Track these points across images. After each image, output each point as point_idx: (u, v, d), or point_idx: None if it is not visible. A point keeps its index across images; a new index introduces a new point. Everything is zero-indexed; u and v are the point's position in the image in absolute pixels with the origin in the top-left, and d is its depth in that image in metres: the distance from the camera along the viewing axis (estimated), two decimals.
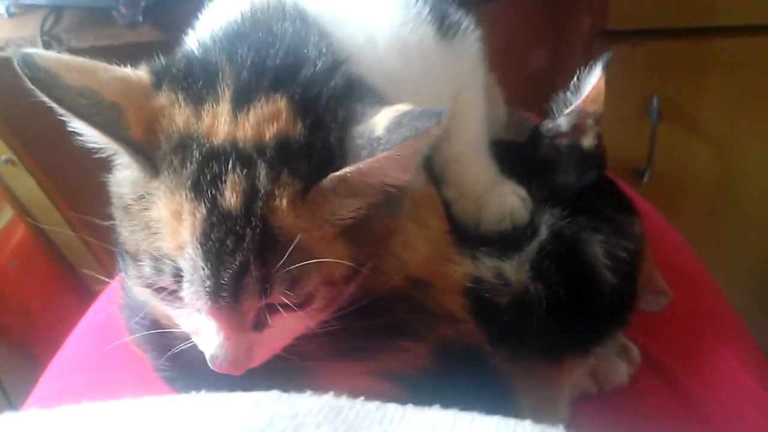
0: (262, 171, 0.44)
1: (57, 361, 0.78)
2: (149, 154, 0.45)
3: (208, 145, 0.45)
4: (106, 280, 0.68)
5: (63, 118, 0.45)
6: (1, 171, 1.51)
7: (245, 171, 0.44)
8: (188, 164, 0.44)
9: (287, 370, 0.51)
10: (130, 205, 0.47)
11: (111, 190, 0.49)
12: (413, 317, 0.53)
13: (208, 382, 0.49)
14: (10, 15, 1.32)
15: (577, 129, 0.66)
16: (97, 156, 0.48)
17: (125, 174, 0.47)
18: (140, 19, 1.24)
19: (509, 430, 0.36)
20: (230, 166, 0.44)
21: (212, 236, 0.43)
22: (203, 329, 0.47)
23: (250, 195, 0.43)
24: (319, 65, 0.49)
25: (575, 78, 0.67)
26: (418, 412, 0.37)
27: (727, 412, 0.64)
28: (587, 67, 0.67)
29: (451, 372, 0.53)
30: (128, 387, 0.65)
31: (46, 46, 1.24)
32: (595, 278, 0.61)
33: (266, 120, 0.45)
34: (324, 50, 0.51)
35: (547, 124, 0.68)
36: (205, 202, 0.43)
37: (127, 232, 0.47)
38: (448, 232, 0.58)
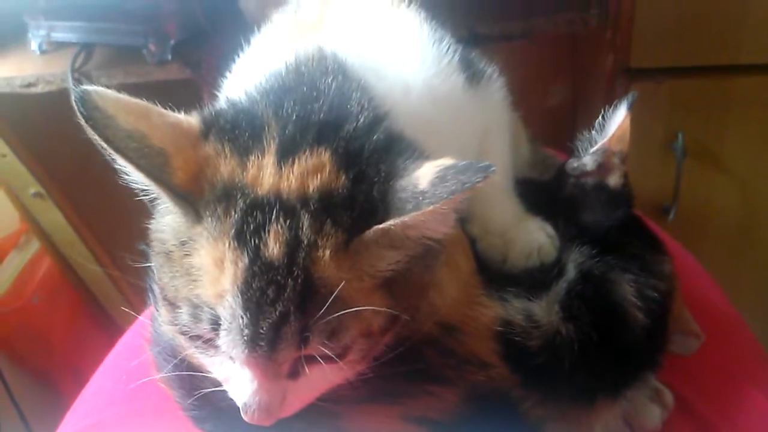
0: (305, 222, 0.44)
1: (84, 397, 0.78)
2: (192, 201, 0.46)
3: (252, 196, 0.45)
4: (133, 314, 0.68)
5: (110, 157, 0.45)
6: (30, 204, 1.53)
7: (288, 222, 0.44)
8: (232, 213, 0.45)
9: (316, 413, 0.50)
10: (171, 251, 0.47)
11: (151, 236, 0.50)
12: (443, 363, 0.53)
13: (235, 423, 0.49)
14: (42, 52, 1.36)
15: (603, 168, 0.67)
16: (137, 198, 0.48)
17: (167, 219, 0.48)
18: (169, 57, 1.27)
19: None
20: (274, 216, 0.44)
21: (253, 285, 0.43)
22: (236, 377, 0.47)
23: (293, 245, 0.44)
24: (362, 120, 0.50)
25: (600, 117, 0.68)
26: None
27: None
28: (612, 106, 0.67)
29: (482, 417, 0.53)
30: (155, 425, 0.66)
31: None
32: (626, 319, 0.60)
33: (310, 172, 0.46)
34: (366, 105, 0.51)
35: (573, 163, 0.68)
36: (248, 252, 0.43)
37: (167, 278, 0.48)
38: (475, 273, 0.58)
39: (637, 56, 1.24)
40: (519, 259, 0.64)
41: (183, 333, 0.48)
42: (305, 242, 0.44)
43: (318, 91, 0.52)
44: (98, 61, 1.33)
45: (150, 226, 0.50)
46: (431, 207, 0.43)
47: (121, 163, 0.45)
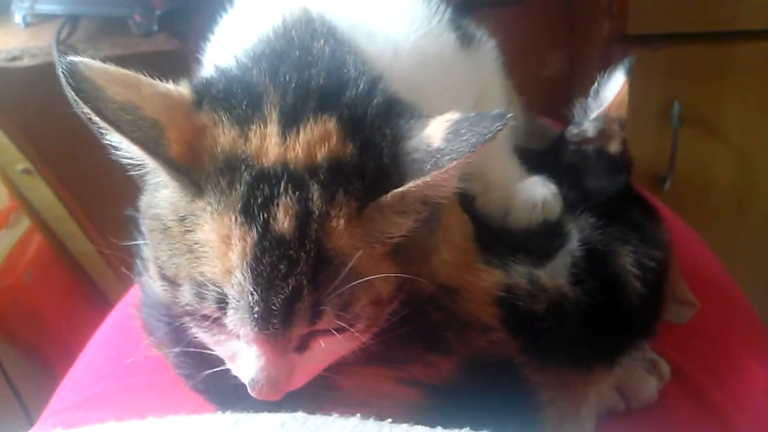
0: (316, 192, 0.43)
1: (73, 373, 0.77)
2: (191, 174, 0.44)
3: (258, 167, 0.43)
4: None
5: (100, 130, 0.43)
6: (18, 181, 1.51)
7: (298, 193, 0.42)
8: (237, 186, 0.43)
9: (314, 383, 0.49)
10: (169, 227, 0.45)
11: (145, 212, 0.48)
12: (444, 325, 0.52)
13: (231, 380, 0.48)
14: (27, 24, 1.33)
15: (604, 135, 0.66)
16: (127, 173, 0.46)
17: (163, 194, 0.46)
18: (155, 27, 1.24)
19: None
20: (282, 188, 0.43)
21: (264, 261, 0.41)
22: (242, 354, 0.46)
23: (303, 217, 0.42)
24: (361, 85, 0.48)
25: (595, 84, 0.67)
26: None
27: (757, 426, 0.62)
28: (607, 72, 0.66)
29: (479, 383, 0.52)
30: (146, 397, 0.65)
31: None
32: (625, 288, 0.60)
33: (317, 141, 0.44)
34: (362, 69, 0.50)
35: (573, 130, 0.67)
36: (256, 226, 0.42)
37: (165, 256, 0.46)
38: (471, 239, 0.57)
39: (633, 22, 1.23)
40: (522, 211, 0.62)
41: (186, 313, 0.46)
42: (317, 213, 0.42)
43: (312, 56, 0.50)
44: (83, 33, 1.30)
45: (141, 202, 0.49)
46: (453, 163, 0.42)
47: (114, 138, 0.43)
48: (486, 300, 0.53)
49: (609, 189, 0.64)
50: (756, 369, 0.67)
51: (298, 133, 0.45)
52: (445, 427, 0.43)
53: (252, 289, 0.41)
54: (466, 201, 0.64)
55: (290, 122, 0.45)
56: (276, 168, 0.43)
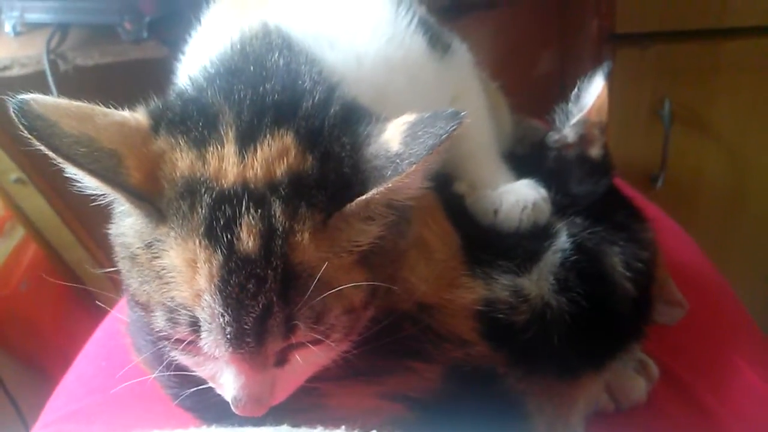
0: (278, 209, 0.43)
1: (64, 384, 0.77)
2: (153, 201, 0.44)
3: (218, 189, 0.43)
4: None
5: (61, 165, 0.43)
6: (12, 190, 1.51)
7: (260, 211, 0.42)
8: (199, 210, 0.43)
9: (299, 397, 0.49)
10: (137, 254, 0.45)
11: (113, 241, 0.48)
12: (423, 337, 0.52)
13: (216, 397, 0.48)
14: (17, 34, 1.33)
15: (584, 140, 0.66)
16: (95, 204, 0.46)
17: (128, 222, 0.46)
18: (144, 35, 1.24)
19: None
20: (244, 208, 0.42)
21: (231, 282, 0.41)
22: (222, 374, 0.46)
23: (267, 235, 0.42)
24: (317, 95, 0.48)
25: (576, 89, 0.67)
26: None
27: (745, 427, 0.62)
28: (587, 77, 0.66)
29: (463, 393, 0.52)
30: (135, 410, 0.65)
31: (52, 64, 1.24)
32: (615, 290, 0.59)
33: (275, 157, 0.44)
34: (317, 78, 0.50)
35: (553, 136, 0.67)
36: (221, 248, 0.42)
37: (136, 283, 0.46)
38: (456, 252, 0.57)
39: (621, 21, 1.22)
40: (512, 212, 0.62)
41: (162, 337, 0.46)
42: (280, 229, 0.42)
43: (266, 70, 0.50)
44: (73, 41, 1.30)
45: (110, 231, 0.48)
46: (413, 167, 0.42)
47: (72, 171, 0.43)
48: (464, 315, 0.53)
49: (593, 193, 0.64)
50: (744, 370, 0.67)
51: (255, 150, 0.44)
52: None
53: (222, 311, 0.41)
54: (455, 200, 0.64)
55: (247, 140, 0.45)
56: (236, 188, 0.43)
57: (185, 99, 0.49)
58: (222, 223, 0.42)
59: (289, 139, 0.45)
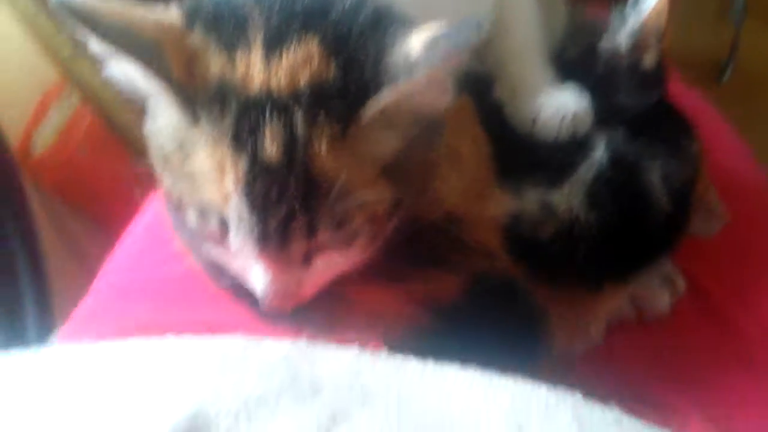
0: (299, 118, 0.43)
1: (113, 258, 0.82)
2: (190, 99, 0.45)
3: (244, 96, 0.44)
4: None
5: (102, 56, 0.44)
6: (66, 60, 1.53)
7: (283, 120, 0.43)
8: (228, 114, 0.44)
9: (327, 297, 0.52)
10: (170, 155, 0.47)
11: (149, 139, 0.49)
12: (449, 246, 0.53)
13: None
14: None
15: (638, 47, 0.62)
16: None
17: (162, 122, 0.47)
18: None
19: (525, 395, 0.36)
20: (267, 116, 0.43)
21: (256, 187, 0.43)
22: (252, 270, 0.48)
23: (289, 144, 0.43)
24: (347, 1, 0.47)
25: None
26: (437, 373, 0.37)
27: None
28: None
29: (486, 304, 0.54)
30: (177, 291, 0.68)
31: None
32: (651, 205, 0.59)
33: (299, 65, 0.44)
34: None
35: (605, 44, 0.63)
36: (246, 154, 0.43)
37: (168, 182, 0.48)
38: (487, 164, 0.56)
39: None
40: (552, 120, 0.60)
41: (195, 233, 0.49)
42: (301, 139, 0.43)
43: None
44: None
45: (145, 130, 0.50)
46: (425, 71, 0.42)
47: (119, 64, 0.44)
48: (491, 227, 0.54)
49: (641, 105, 0.61)
50: None
51: (281, 56, 0.44)
52: (450, 350, 0.45)
53: (248, 214, 0.44)
54: (494, 109, 0.63)
55: (274, 46, 0.45)
56: (261, 96, 0.44)
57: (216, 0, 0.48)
58: (247, 129, 0.43)
59: (314, 44, 0.45)
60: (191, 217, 0.47)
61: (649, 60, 0.62)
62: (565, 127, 0.60)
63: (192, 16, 0.46)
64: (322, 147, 0.43)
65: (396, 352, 0.53)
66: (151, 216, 0.84)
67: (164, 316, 0.66)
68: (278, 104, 0.44)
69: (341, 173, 0.44)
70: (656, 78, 0.63)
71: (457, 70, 0.45)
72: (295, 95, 0.44)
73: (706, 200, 0.66)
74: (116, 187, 1.77)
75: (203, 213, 0.46)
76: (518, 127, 0.62)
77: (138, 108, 0.52)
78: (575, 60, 0.67)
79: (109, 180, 1.76)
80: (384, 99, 0.43)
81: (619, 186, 0.57)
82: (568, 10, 0.91)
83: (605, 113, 0.61)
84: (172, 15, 0.46)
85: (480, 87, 0.64)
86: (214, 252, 0.50)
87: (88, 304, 0.73)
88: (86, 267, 1.61)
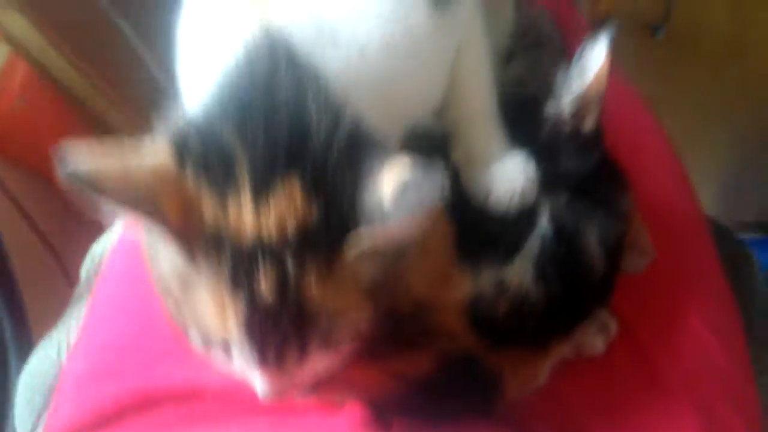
0: (290, 263, 0.48)
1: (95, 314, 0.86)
2: (188, 242, 0.49)
3: (237, 243, 0.48)
4: None
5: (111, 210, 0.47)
6: None
7: (275, 263, 0.48)
8: (223, 260, 0.48)
9: None
10: (172, 287, 0.52)
11: (149, 264, 0.54)
12: (418, 330, 0.61)
13: None
14: None
15: (580, 113, 0.67)
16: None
17: (164, 256, 0.52)
18: None
19: None
20: (260, 261, 0.48)
21: (253, 321, 0.49)
22: (251, 376, 0.54)
23: (282, 284, 0.48)
24: (322, 132, 0.51)
25: (579, 51, 0.67)
26: None
27: (684, 377, 0.71)
28: (591, 40, 0.66)
29: (450, 371, 0.62)
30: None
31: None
32: (590, 271, 0.66)
33: (284, 210, 0.49)
34: (322, 105, 0.52)
35: (551, 108, 0.68)
36: (244, 296, 0.48)
37: (172, 307, 0.53)
38: (450, 252, 0.62)
39: None
40: (502, 198, 0.66)
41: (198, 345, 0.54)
42: (293, 280, 0.48)
43: (274, 98, 0.52)
44: None
45: (147, 255, 0.54)
46: (397, 224, 0.47)
47: (123, 214, 0.47)
48: (454, 311, 0.61)
49: (581, 170, 0.67)
50: (694, 321, 0.74)
51: (268, 202, 0.49)
52: (420, 406, 0.54)
53: (248, 344, 0.50)
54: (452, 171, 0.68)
55: (261, 190, 0.49)
56: (253, 243, 0.48)
57: (201, 131, 0.51)
58: (243, 273, 0.48)
59: (296, 185, 0.49)
60: (195, 337, 0.53)
61: (588, 124, 0.68)
62: (514, 203, 0.66)
63: (181, 154, 0.49)
64: (311, 284, 0.49)
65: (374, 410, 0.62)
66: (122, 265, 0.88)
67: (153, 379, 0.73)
68: (269, 251, 0.48)
69: (328, 303, 0.49)
70: (595, 139, 0.68)
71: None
72: (284, 242, 0.48)
73: (637, 241, 0.74)
74: (56, 139, 1.74)
75: (206, 337, 0.52)
76: (472, 196, 0.68)
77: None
78: (521, 118, 0.71)
79: (48, 134, 1.73)
80: (362, 242, 0.48)
81: (562, 257, 0.64)
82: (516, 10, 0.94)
83: (548, 178, 0.67)
84: (163, 153, 0.49)
85: (438, 146, 0.70)
86: (216, 356, 0.56)
87: (83, 363, 0.79)
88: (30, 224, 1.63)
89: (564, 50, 1.00)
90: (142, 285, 0.57)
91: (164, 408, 0.72)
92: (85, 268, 1.18)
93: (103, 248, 1.19)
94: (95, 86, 1.68)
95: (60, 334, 1.06)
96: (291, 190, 0.49)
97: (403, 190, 0.47)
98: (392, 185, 0.47)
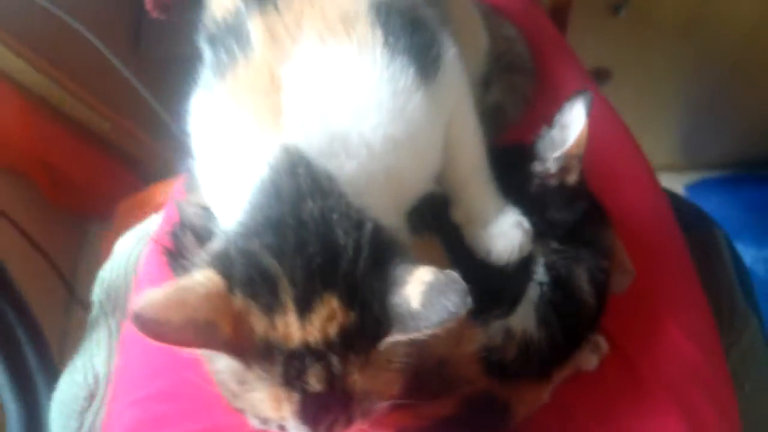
0: (334, 360, 0.57)
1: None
2: (242, 354, 0.57)
3: (287, 350, 0.57)
4: None
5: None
6: None
7: (322, 363, 0.57)
8: (276, 365, 0.57)
9: None
10: (231, 386, 0.61)
11: (210, 367, 0.63)
12: (441, 382, 0.71)
13: None
14: None
15: (564, 169, 0.76)
16: None
17: (222, 363, 0.60)
18: None
19: None
20: (308, 362, 0.57)
21: (307, 409, 0.58)
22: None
23: (329, 378, 0.57)
24: (350, 249, 0.59)
25: (559, 114, 0.76)
26: None
27: (665, 383, 0.82)
28: (569, 102, 0.75)
29: (470, 409, 0.73)
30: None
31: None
32: (583, 307, 0.76)
33: (327, 320, 0.57)
34: (348, 227, 0.60)
35: (538, 167, 0.77)
36: (297, 391, 0.57)
37: (230, 397, 0.62)
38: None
39: None
40: (502, 254, 0.75)
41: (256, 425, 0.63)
42: (338, 374, 0.58)
43: (301, 213, 0.60)
44: None
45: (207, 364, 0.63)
46: (429, 329, 0.56)
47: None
48: (470, 361, 0.71)
49: (569, 219, 0.76)
50: (673, 330, 0.84)
51: (311, 315, 0.57)
52: None
53: (303, 425, 0.59)
54: (454, 230, 0.77)
55: (304, 308, 0.57)
56: (301, 349, 0.57)
57: (243, 255, 0.59)
58: (294, 374, 0.58)
59: (334, 302, 0.58)
60: (251, 420, 0.63)
61: (572, 178, 0.77)
62: (513, 257, 0.75)
63: (229, 278, 0.58)
64: (354, 374, 0.58)
65: None
66: None
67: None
68: (316, 354, 0.57)
69: (368, 385, 0.59)
70: (580, 191, 0.78)
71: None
72: (328, 345, 0.57)
73: (619, 264, 0.84)
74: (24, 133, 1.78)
75: (264, 420, 0.61)
76: (475, 252, 0.77)
77: None
78: (512, 178, 0.79)
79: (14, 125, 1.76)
80: (394, 338, 0.58)
81: (559, 300, 0.74)
82: (489, 28, 1.00)
83: (539, 228, 0.76)
84: (213, 280, 0.57)
85: (440, 207, 0.78)
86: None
87: (132, 413, 0.88)
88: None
89: (534, 70, 1.07)
90: None
91: None
92: (96, 294, 1.23)
93: (111, 273, 1.25)
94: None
95: (84, 359, 1.15)
96: (330, 304, 0.58)
97: (429, 291, 0.56)
98: (417, 290, 0.56)
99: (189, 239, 0.77)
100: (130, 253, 1.22)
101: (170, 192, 1.77)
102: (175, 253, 0.80)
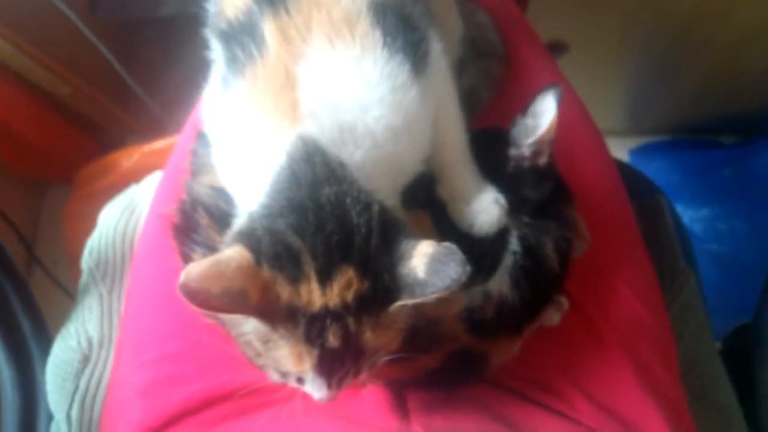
0: (350, 320, 0.67)
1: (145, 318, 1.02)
2: (270, 317, 0.66)
3: (310, 313, 0.66)
4: None
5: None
6: None
7: (340, 323, 0.67)
8: (298, 325, 0.66)
9: None
10: (256, 345, 0.70)
11: (235, 330, 0.72)
12: (429, 339, 0.82)
13: None
14: None
15: (537, 153, 0.86)
16: None
17: (250, 326, 0.69)
18: None
19: None
20: (328, 323, 0.66)
21: (324, 363, 0.68)
22: (315, 393, 0.72)
23: (345, 335, 0.67)
24: (363, 226, 0.68)
25: (530, 104, 0.85)
26: None
27: (620, 337, 0.94)
28: (540, 94, 0.84)
29: (452, 363, 0.84)
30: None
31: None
32: (549, 273, 0.87)
33: (344, 288, 0.67)
34: (358, 201, 0.69)
35: (513, 151, 0.86)
36: (317, 348, 0.67)
37: (252, 354, 0.72)
38: None
39: None
40: (483, 227, 0.85)
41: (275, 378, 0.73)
42: (353, 332, 0.67)
43: (318, 196, 0.69)
44: None
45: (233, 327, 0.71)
46: (434, 295, 0.66)
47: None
48: (455, 320, 0.82)
49: (540, 196, 0.87)
50: (624, 290, 0.97)
51: (331, 284, 0.67)
52: (430, 383, 0.78)
53: (319, 377, 0.69)
54: (441, 207, 0.87)
55: (324, 278, 0.67)
56: (322, 312, 0.66)
57: (268, 233, 0.68)
58: (315, 333, 0.67)
59: (351, 272, 0.67)
60: (272, 374, 0.72)
61: (543, 160, 0.87)
62: (492, 230, 0.85)
63: (258, 254, 0.66)
64: (366, 332, 0.68)
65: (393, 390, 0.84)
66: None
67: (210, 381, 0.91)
68: (335, 315, 0.67)
69: (377, 342, 0.69)
70: (549, 172, 0.88)
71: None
72: (345, 308, 0.67)
73: (579, 231, 0.95)
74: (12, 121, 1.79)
75: (284, 374, 0.71)
76: (458, 225, 0.86)
77: None
78: (492, 158, 0.88)
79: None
80: (405, 303, 0.67)
81: (529, 267, 0.85)
82: (462, 14, 1.08)
83: (514, 204, 0.87)
84: (244, 255, 0.65)
85: (429, 185, 0.87)
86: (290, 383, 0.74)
87: (143, 373, 0.96)
88: None
89: (504, 54, 1.16)
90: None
91: (222, 405, 0.92)
92: (86, 262, 1.29)
93: (99, 242, 1.30)
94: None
95: (76, 325, 1.20)
96: (347, 274, 0.67)
97: (432, 261, 0.65)
98: (422, 261, 0.66)
99: (202, 216, 0.84)
100: (116, 222, 1.27)
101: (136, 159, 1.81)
102: (185, 229, 0.87)
